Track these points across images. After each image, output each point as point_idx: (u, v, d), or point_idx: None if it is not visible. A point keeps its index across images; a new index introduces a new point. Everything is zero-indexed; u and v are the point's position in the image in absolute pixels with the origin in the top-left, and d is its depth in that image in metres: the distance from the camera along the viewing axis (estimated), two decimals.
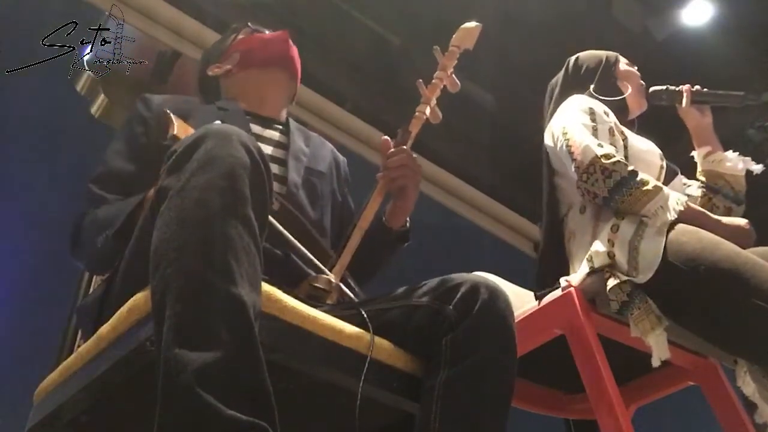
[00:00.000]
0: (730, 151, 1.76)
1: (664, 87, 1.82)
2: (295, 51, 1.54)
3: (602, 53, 1.86)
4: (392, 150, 1.29)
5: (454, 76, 1.35)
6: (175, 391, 0.72)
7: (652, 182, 1.48)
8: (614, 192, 1.47)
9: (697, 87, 1.80)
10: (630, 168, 1.49)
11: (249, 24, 1.61)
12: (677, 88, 1.80)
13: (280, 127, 1.46)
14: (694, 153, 1.81)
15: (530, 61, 3.05)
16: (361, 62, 2.97)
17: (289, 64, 1.53)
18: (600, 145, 1.53)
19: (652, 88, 1.83)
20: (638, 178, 1.47)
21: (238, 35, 1.58)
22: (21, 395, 1.33)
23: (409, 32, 2.98)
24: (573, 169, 1.56)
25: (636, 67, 1.86)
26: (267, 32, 1.58)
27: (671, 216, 1.43)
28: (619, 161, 1.50)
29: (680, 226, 1.43)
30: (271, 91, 1.50)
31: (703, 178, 1.78)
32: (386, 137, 1.32)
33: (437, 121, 1.34)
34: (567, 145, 1.59)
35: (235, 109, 1.41)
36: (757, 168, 1.71)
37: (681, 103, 1.78)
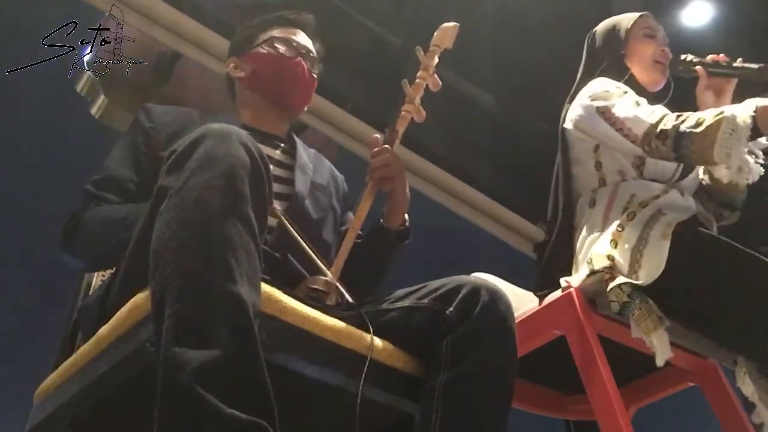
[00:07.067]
0: None
1: (683, 57, 1.71)
2: (304, 88, 1.45)
3: (614, 23, 1.79)
4: (375, 150, 1.30)
5: (436, 75, 1.36)
6: (174, 390, 0.72)
7: (707, 118, 1.40)
8: (678, 148, 1.42)
9: (722, 56, 1.67)
10: (674, 121, 1.43)
11: (276, 27, 1.46)
12: (697, 59, 1.69)
13: (282, 145, 1.43)
14: None
15: (530, 61, 3.05)
16: (361, 63, 2.97)
17: (291, 105, 1.46)
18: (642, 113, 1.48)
19: (676, 57, 1.72)
20: (689, 125, 1.40)
21: (265, 34, 1.46)
22: (21, 395, 1.33)
23: (409, 32, 2.98)
24: (628, 143, 1.51)
25: (657, 36, 1.75)
26: (287, 52, 1.43)
27: (746, 131, 1.34)
28: (664, 117, 1.46)
29: (682, 227, 1.43)
30: (273, 116, 1.45)
31: None
32: (376, 135, 1.32)
33: (422, 119, 1.34)
34: (612, 122, 1.54)
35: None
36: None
37: (696, 73, 1.67)
